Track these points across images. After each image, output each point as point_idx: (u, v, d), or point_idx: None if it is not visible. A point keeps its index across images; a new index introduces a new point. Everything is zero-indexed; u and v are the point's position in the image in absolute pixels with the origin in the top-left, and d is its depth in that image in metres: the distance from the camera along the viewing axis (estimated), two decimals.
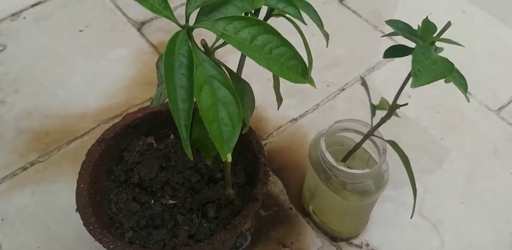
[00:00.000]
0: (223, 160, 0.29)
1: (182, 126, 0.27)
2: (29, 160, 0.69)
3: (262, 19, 0.39)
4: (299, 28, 0.38)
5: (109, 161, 0.49)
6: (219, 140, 0.30)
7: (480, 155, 0.67)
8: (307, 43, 0.38)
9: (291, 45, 0.34)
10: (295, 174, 0.64)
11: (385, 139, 0.48)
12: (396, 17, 0.87)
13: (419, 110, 0.72)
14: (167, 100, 0.29)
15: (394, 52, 0.40)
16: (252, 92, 0.37)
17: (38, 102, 0.76)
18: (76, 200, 0.44)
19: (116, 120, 0.75)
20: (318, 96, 0.73)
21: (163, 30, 0.86)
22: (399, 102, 0.45)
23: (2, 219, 0.63)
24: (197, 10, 0.33)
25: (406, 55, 0.40)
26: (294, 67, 0.34)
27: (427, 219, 0.61)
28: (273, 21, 0.40)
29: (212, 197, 0.47)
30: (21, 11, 0.91)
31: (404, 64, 0.77)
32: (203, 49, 0.33)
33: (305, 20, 0.39)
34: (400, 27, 0.39)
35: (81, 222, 0.44)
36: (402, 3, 0.88)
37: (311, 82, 0.35)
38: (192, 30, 0.32)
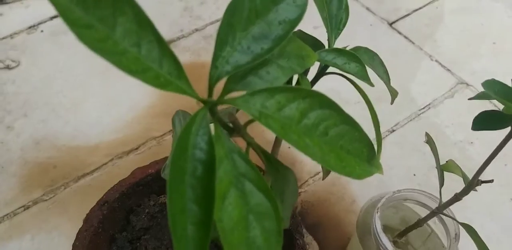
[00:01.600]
0: None
1: None
2: (32, 197, 0.61)
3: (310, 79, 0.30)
4: (363, 91, 0.29)
5: (111, 228, 0.41)
6: None
7: None
8: (375, 112, 0.29)
9: (354, 122, 0.25)
10: (334, 234, 0.54)
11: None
12: (454, 45, 0.77)
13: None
14: None
15: (487, 121, 0.30)
16: (296, 180, 0.27)
17: (48, 129, 0.68)
18: None
19: (131, 156, 0.66)
20: None
21: (190, 50, 0.77)
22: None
23: None
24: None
25: (504, 127, 0.30)
26: (358, 151, 0.25)
27: None
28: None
29: None
30: (39, 23, 0.84)
31: (467, 102, 0.66)
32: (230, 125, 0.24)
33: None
34: (499, 90, 0.29)
35: None
36: (461, 29, 0.77)
37: (380, 169, 0.26)
38: (217, 105, 0.22)
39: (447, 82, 0.68)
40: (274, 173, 0.25)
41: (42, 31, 0.82)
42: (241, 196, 0.21)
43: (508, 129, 0.30)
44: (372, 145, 0.26)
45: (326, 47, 0.29)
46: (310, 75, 0.29)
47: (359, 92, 0.28)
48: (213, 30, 0.81)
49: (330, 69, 0.29)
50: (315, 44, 0.30)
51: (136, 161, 0.63)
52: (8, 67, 0.77)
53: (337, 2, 0.28)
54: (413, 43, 0.74)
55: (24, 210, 0.60)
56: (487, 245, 0.53)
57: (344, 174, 0.23)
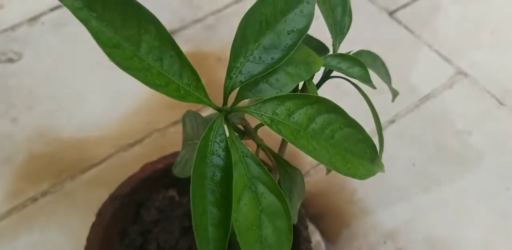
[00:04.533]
0: None
1: None
2: (40, 189, 0.63)
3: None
4: (366, 96, 0.30)
5: (123, 221, 0.42)
6: None
7: None
8: (378, 118, 0.30)
9: (358, 124, 0.26)
10: (335, 224, 0.56)
11: None
12: (454, 34, 0.78)
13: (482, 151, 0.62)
14: None
15: None
16: (303, 179, 0.29)
17: (53, 121, 0.69)
18: None
19: (136, 148, 0.68)
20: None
21: (191, 41, 0.78)
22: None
23: None
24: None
25: None
26: (361, 152, 0.26)
27: None
28: None
29: None
30: (39, 15, 0.84)
31: (465, 92, 0.67)
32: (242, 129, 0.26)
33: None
34: None
35: None
36: (463, 18, 0.78)
37: (382, 168, 0.27)
38: (231, 113, 0.24)
39: (446, 72, 0.69)
40: (283, 173, 0.27)
41: (43, 23, 0.83)
42: (254, 198, 0.23)
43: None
44: (375, 145, 0.27)
45: (330, 51, 0.30)
46: (315, 79, 0.30)
47: (363, 96, 0.30)
48: (213, 20, 0.81)
49: (335, 72, 0.30)
50: (319, 47, 0.31)
51: (141, 153, 0.65)
52: (11, 60, 0.78)
53: (341, 8, 0.29)
54: (412, 32, 0.74)
55: (32, 202, 0.61)
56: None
57: (349, 175, 0.25)
